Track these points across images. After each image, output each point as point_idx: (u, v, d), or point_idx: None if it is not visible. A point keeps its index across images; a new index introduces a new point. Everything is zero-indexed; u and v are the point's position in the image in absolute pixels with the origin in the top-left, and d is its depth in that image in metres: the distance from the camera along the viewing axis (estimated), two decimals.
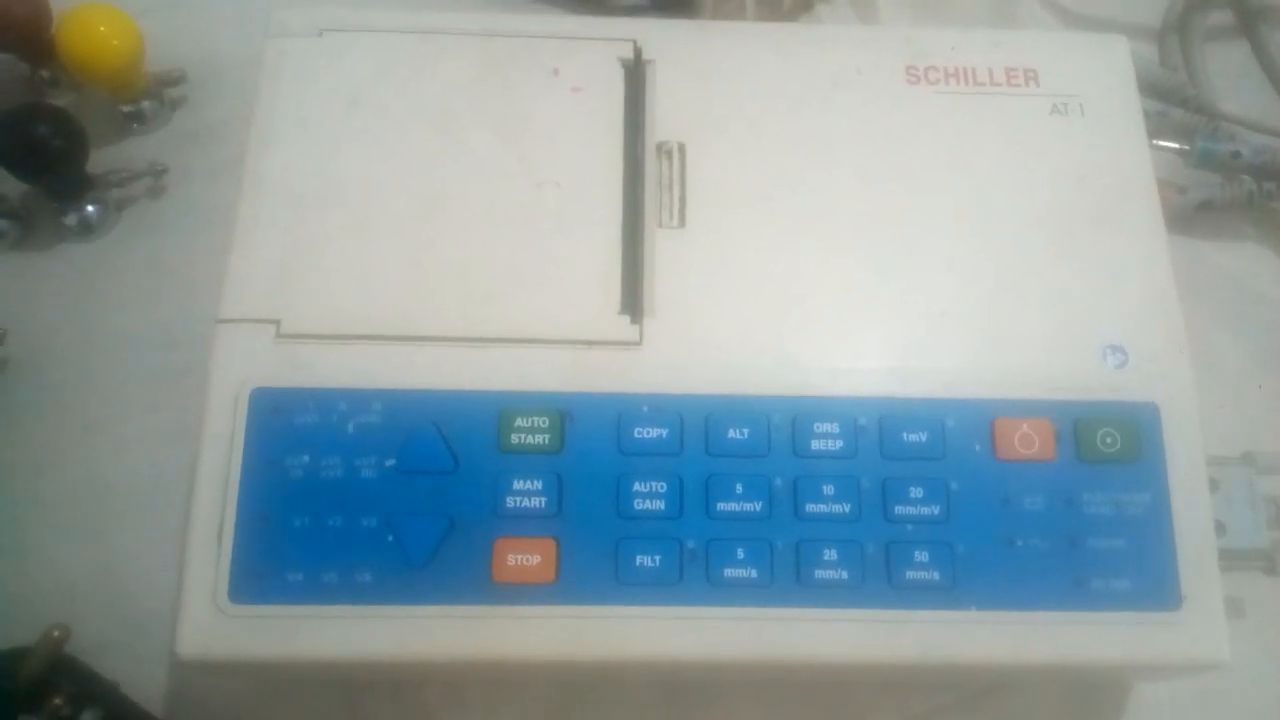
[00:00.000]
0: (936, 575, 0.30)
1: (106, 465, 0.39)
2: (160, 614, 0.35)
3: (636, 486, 0.30)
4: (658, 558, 0.30)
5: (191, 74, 0.47)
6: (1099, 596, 0.30)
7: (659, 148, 0.34)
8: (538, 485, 0.30)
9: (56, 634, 0.33)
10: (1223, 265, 0.45)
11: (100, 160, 0.44)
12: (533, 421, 0.31)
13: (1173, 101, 0.45)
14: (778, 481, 0.30)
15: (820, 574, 0.30)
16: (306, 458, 0.30)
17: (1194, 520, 0.31)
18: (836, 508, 0.30)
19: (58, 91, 0.46)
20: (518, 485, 0.30)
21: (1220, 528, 0.34)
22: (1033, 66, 0.36)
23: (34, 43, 0.44)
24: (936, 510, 0.30)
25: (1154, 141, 0.43)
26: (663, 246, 0.33)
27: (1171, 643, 0.30)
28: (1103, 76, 0.36)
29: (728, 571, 0.30)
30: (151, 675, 0.36)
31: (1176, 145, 0.44)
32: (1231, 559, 0.33)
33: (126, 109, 0.46)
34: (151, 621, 0.36)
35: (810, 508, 0.30)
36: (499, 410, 0.31)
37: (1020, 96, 0.35)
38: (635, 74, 0.35)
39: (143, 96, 0.46)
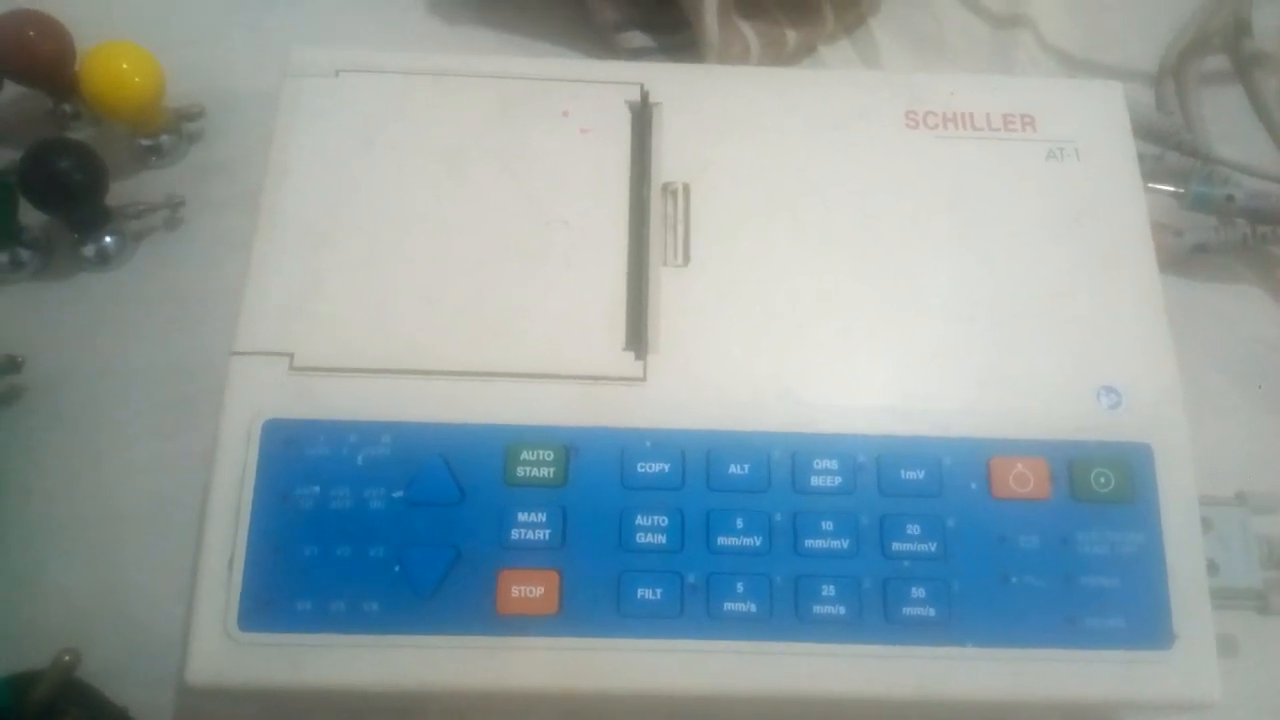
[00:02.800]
0: (933, 612, 0.30)
1: (119, 491, 0.40)
2: (170, 639, 0.36)
3: (639, 520, 0.31)
4: (659, 591, 0.30)
5: (209, 109, 0.48)
6: (1092, 634, 0.30)
7: (664, 188, 0.35)
8: (542, 518, 0.31)
9: (67, 658, 0.34)
10: (1218, 307, 0.45)
11: (119, 192, 0.45)
12: (538, 455, 0.31)
13: (1169, 145, 0.46)
14: (777, 517, 0.31)
15: (818, 609, 0.30)
16: (317, 488, 0.31)
17: (1186, 560, 0.31)
18: (835, 544, 0.31)
19: (79, 125, 0.47)
20: (522, 518, 0.31)
21: (1213, 567, 0.34)
22: (1030, 112, 0.37)
23: (58, 79, 0.45)
24: (933, 547, 0.31)
25: (1150, 185, 0.44)
26: (667, 284, 0.34)
27: (1163, 681, 0.30)
28: (1098, 122, 0.37)
29: (727, 605, 0.30)
30: (161, 701, 0.36)
31: (1172, 188, 0.45)
32: (1225, 598, 0.34)
33: (145, 143, 0.47)
34: (161, 647, 0.36)
35: (809, 543, 0.31)
36: (505, 444, 0.31)
37: (1017, 141, 0.36)
38: (642, 116, 0.36)
39: (162, 131, 0.47)
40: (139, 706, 0.35)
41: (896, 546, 0.31)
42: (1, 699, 0.33)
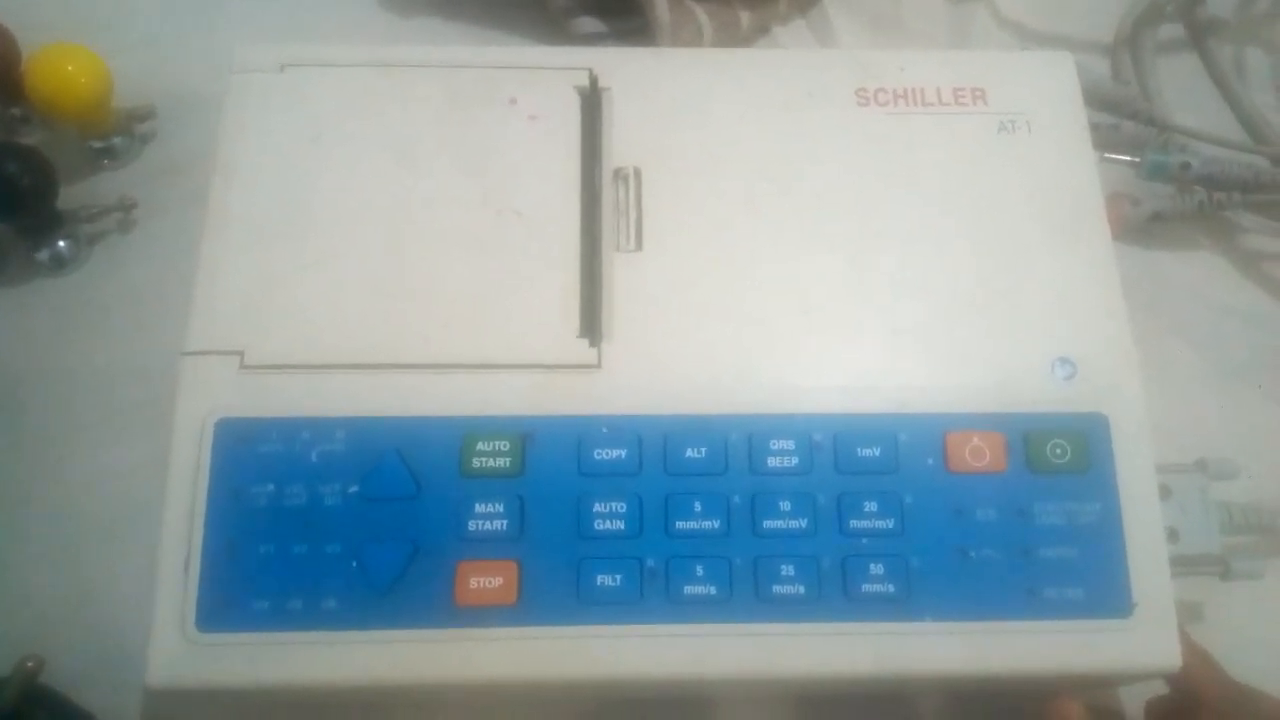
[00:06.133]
0: (891, 588, 0.30)
1: (82, 496, 0.40)
2: (135, 644, 0.35)
3: (597, 507, 0.31)
4: (618, 577, 0.30)
5: (161, 109, 0.48)
6: (1052, 605, 0.30)
7: (616, 173, 0.35)
8: (499, 508, 0.31)
9: (30, 664, 0.34)
10: (1177, 275, 0.45)
11: (72, 196, 0.45)
12: (494, 445, 0.31)
13: (1125, 114, 0.46)
14: (735, 499, 0.31)
15: (778, 589, 0.30)
16: (271, 486, 0.30)
17: (1144, 528, 0.31)
18: (793, 523, 0.31)
19: (28, 129, 0.47)
20: (479, 509, 0.31)
21: (1173, 534, 0.34)
22: (980, 86, 0.37)
23: (3, 82, 0.44)
24: (890, 524, 0.31)
25: (1107, 155, 0.44)
26: (620, 270, 0.33)
27: (1124, 650, 0.30)
28: (1049, 93, 0.37)
29: (687, 589, 0.30)
30: (126, 705, 0.36)
31: (1129, 158, 0.45)
32: (1186, 565, 0.34)
33: (97, 145, 0.46)
34: (126, 652, 0.36)
35: (767, 524, 0.31)
36: (461, 435, 0.31)
37: (968, 115, 0.36)
38: (591, 101, 0.36)
39: (113, 132, 0.46)
40: (105, 711, 0.35)
41: (854, 524, 0.31)
42: None
